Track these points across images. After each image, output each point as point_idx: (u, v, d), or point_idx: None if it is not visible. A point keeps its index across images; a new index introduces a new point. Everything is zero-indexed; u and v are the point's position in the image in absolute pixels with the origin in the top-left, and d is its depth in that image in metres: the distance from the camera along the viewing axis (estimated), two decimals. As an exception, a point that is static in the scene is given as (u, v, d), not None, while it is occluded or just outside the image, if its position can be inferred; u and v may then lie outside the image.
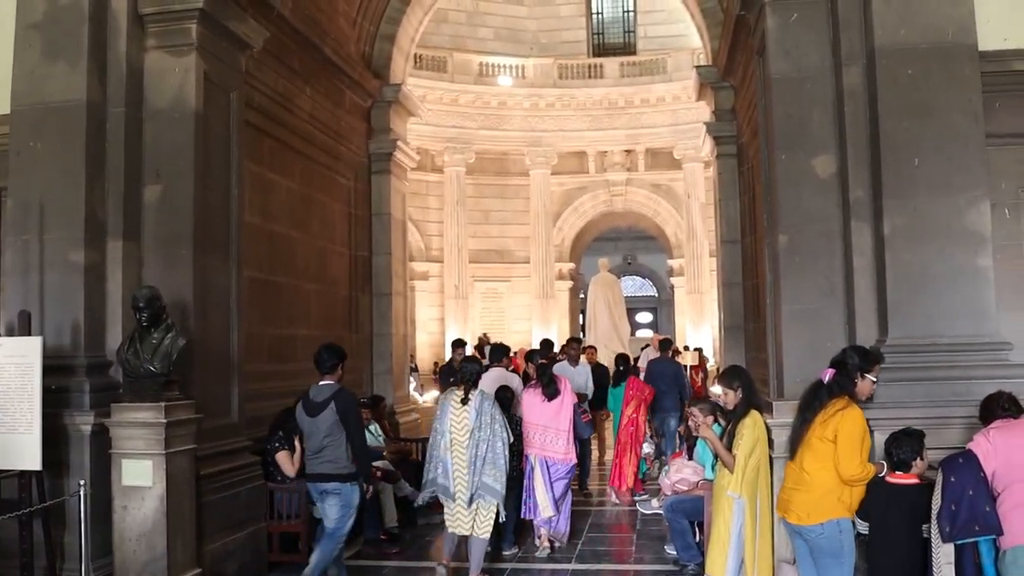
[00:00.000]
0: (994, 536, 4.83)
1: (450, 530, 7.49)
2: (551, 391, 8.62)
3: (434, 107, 24.66)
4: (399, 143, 13.00)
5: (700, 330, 25.28)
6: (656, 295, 42.29)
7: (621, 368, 12.58)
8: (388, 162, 12.83)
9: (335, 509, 6.91)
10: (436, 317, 26.97)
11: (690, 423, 7.45)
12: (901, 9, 6.63)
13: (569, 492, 8.94)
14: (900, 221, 6.42)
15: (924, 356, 6.26)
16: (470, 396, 7.41)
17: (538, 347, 11.82)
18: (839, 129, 6.80)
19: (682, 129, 25.24)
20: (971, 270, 6.35)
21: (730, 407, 6.34)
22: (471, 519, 7.38)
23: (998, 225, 6.65)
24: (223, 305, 7.67)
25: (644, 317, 42.71)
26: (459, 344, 14.31)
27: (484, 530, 7.42)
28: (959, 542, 4.90)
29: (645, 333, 36.05)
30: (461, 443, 7.33)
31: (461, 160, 26.79)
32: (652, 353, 15.47)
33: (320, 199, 11.02)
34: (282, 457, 7.92)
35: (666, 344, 13.92)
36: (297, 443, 7.80)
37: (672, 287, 30.44)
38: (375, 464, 8.45)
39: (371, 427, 9.50)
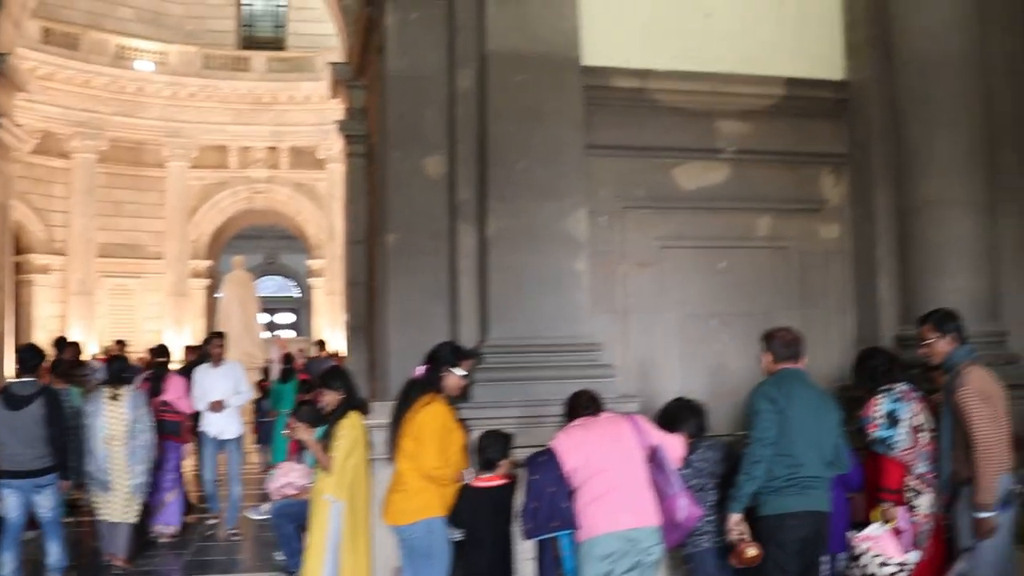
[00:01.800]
0: (572, 530, 4.97)
1: (102, 519, 7.80)
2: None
3: (63, 87, 22.94)
4: (3, 120, 11.77)
5: (336, 331, 25.14)
6: (299, 296, 41.69)
7: (287, 366, 12.39)
8: (-13, 140, 11.59)
9: (51, 500, 7.07)
10: (57, 314, 24.99)
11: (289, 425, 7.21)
12: (513, 17, 6.76)
13: (178, 488, 9.04)
14: (503, 224, 6.53)
15: (521, 356, 6.40)
16: (121, 392, 7.76)
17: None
18: (451, 130, 6.81)
19: (327, 129, 24.79)
20: (567, 274, 6.58)
21: (329, 408, 6.17)
22: (122, 506, 7.72)
23: (595, 232, 6.95)
24: None
25: (285, 318, 42.01)
26: (64, 344, 12.93)
27: (133, 516, 7.83)
28: (539, 538, 5.01)
29: (287, 334, 35.39)
30: (118, 437, 7.65)
31: (92, 147, 25.05)
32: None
33: None
34: None
35: (322, 344, 13.84)
36: None
37: (312, 288, 30.09)
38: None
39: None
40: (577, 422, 5.18)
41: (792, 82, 7.69)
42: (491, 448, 5.30)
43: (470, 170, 6.70)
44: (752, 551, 4.91)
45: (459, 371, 5.56)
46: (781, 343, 5.26)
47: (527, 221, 6.56)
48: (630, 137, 7.26)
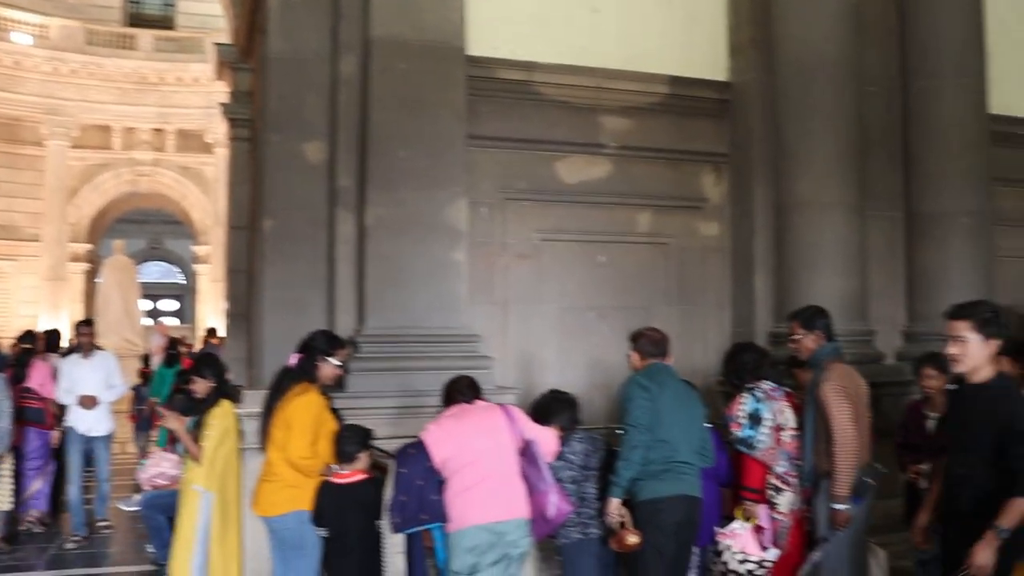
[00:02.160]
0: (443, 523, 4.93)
1: None
2: None
3: (-68, 58, 21.87)
4: None
5: (221, 319, 24.60)
6: (184, 283, 40.70)
7: (173, 352, 11.98)
8: None
9: None
10: (-74, 298, 23.92)
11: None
12: (399, 4, 6.68)
13: (45, 476, 8.78)
14: (383, 212, 6.45)
15: (399, 347, 6.34)
16: None
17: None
18: (332, 116, 6.69)
19: (215, 112, 24.31)
20: (447, 264, 6.54)
21: (200, 396, 6.02)
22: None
23: (475, 223, 6.94)
24: None
25: (169, 305, 41.00)
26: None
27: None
28: (408, 532, 4.95)
29: (170, 322, 34.54)
30: None
31: (-37, 122, 23.99)
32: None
33: None
34: None
35: (212, 332, 13.51)
36: None
37: (197, 274, 29.42)
38: None
39: None
40: (450, 411, 5.14)
41: (676, 81, 7.80)
42: (348, 441, 5.16)
43: (351, 157, 6.59)
44: (633, 538, 4.95)
45: (334, 360, 5.46)
46: (648, 342, 5.38)
47: (407, 210, 6.49)
48: (513, 129, 7.26)
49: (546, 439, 5.12)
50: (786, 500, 5.59)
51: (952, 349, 4.08)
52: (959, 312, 4.11)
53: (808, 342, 5.66)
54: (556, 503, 4.91)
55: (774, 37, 7.73)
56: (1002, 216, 8.60)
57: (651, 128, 7.73)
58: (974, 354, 4.04)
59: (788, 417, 5.67)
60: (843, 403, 5.36)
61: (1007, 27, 9.10)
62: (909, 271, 8.21)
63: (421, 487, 4.87)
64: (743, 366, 5.83)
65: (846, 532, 5.37)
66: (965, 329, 4.04)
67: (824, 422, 5.42)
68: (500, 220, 7.21)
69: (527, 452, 4.98)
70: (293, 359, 5.41)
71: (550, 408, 5.40)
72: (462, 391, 5.24)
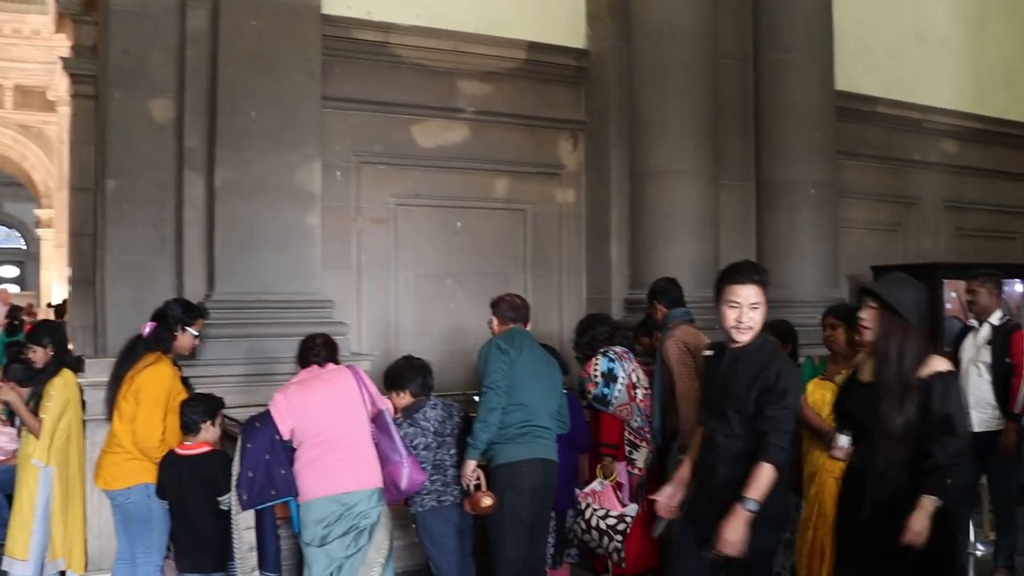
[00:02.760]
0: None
1: None
2: None
3: None
4: None
5: (65, 285, 23.57)
6: (24, 247, 38.80)
7: (16, 321, 11.34)
8: None
9: None
10: None
11: None
12: (250, -43, 6.45)
13: None
14: (232, 174, 6.24)
15: (250, 312, 6.17)
16: None
17: None
18: (180, 73, 6.39)
19: (57, 68, 23.18)
20: (299, 228, 6.38)
21: (39, 366, 5.73)
22: None
23: (329, 186, 6.79)
24: None
25: (9, 271, 39.08)
26: None
27: None
28: (258, 508, 4.81)
29: (12, 289, 32.93)
30: None
31: None
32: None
33: None
34: None
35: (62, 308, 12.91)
36: None
37: (40, 239, 28.06)
38: None
39: None
40: (298, 378, 4.99)
41: (534, 47, 7.78)
42: (192, 411, 4.94)
43: (200, 116, 6.33)
44: (488, 500, 4.96)
45: (192, 330, 5.29)
46: (508, 307, 5.40)
47: (258, 172, 6.28)
48: (369, 91, 7.13)
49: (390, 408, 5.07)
50: (642, 456, 5.74)
51: (754, 315, 3.79)
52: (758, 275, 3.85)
53: (657, 314, 5.98)
54: (409, 474, 4.87)
55: (631, 5, 7.79)
56: (843, 188, 8.92)
57: (509, 93, 7.70)
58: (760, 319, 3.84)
59: (641, 377, 5.81)
60: (685, 356, 5.57)
61: (852, 6, 9.41)
62: (760, 239, 8.43)
63: (268, 461, 4.71)
64: (595, 339, 5.95)
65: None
66: (762, 294, 3.82)
67: (671, 380, 5.61)
68: (355, 184, 7.08)
69: (379, 420, 4.92)
70: (146, 327, 5.18)
71: (403, 374, 5.34)
72: (316, 351, 5.06)
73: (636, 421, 5.73)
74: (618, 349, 5.86)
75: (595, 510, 5.53)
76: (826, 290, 8.17)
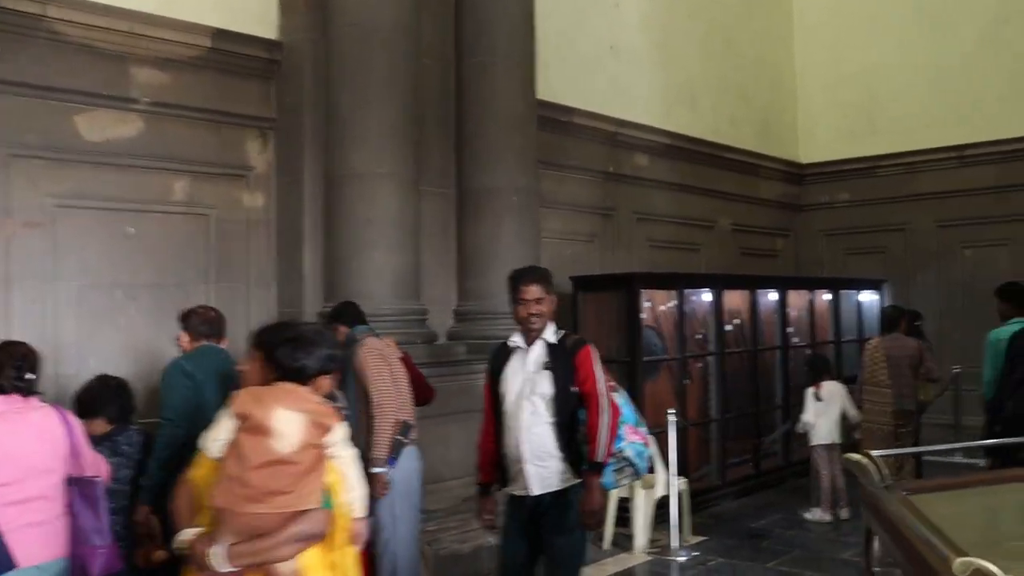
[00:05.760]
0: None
1: None
2: None
3: None
4: None
5: None
6: None
7: None
8: None
9: None
10: None
11: None
12: None
13: None
14: None
15: None
16: None
17: None
18: None
19: None
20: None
21: None
22: None
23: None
24: None
25: None
26: None
27: None
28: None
29: None
30: None
31: None
32: None
33: None
34: None
35: None
36: None
37: None
38: None
39: None
40: None
41: (220, 34, 7.04)
42: None
43: None
44: (161, 553, 4.23)
45: None
46: (201, 320, 5.02)
47: None
48: (22, 72, 6.05)
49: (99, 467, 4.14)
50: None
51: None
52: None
53: (339, 336, 5.59)
54: (105, 563, 3.90)
55: (329, -3, 7.24)
56: (542, 199, 8.80)
57: (190, 85, 6.90)
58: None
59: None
60: (380, 363, 5.42)
61: (552, 15, 9.34)
62: (462, 248, 8.13)
63: None
64: None
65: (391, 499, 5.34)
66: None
67: (365, 394, 5.36)
68: (3, 181, 6.00)
69: (87, 488, 3.90)
70: None
71: (97, 396, 4.58)
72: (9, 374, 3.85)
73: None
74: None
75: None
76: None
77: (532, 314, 4.58)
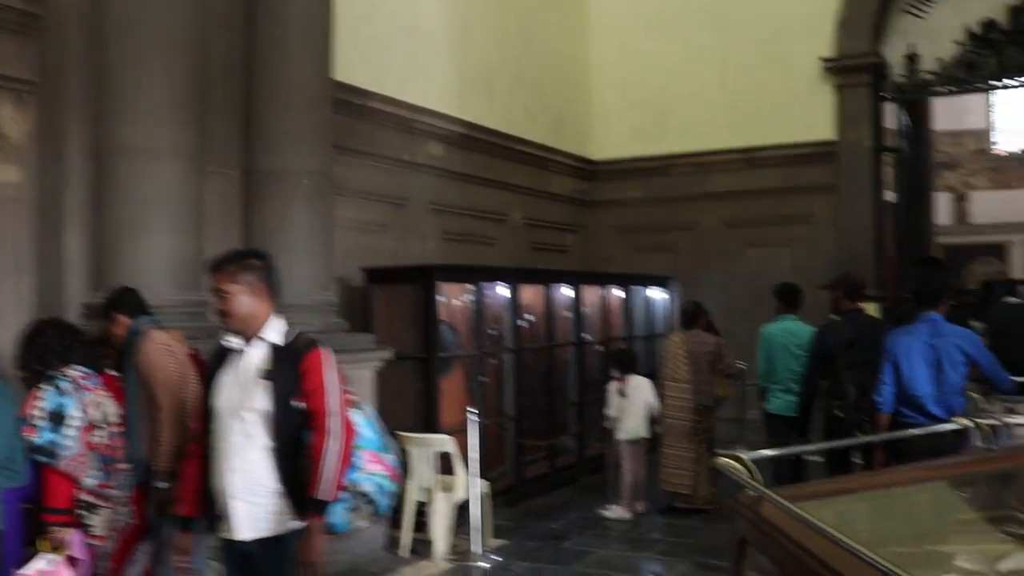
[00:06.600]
0: None
1: None
2: None
3: None
4: None
5: None
6: None
7: None
8: None
9: None
10: None
11: None
12: None
13: None
14: None
15: None
16: None
17: None
18: None
19: None
20: None
21: None
22: None
23: None
24: None
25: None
26: None
27: None
28: None
29: None
30: None
31: None
32: None
33: None
34: None
35: None
36: None
37: None
38: None
39: None
40: None
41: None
42: None
43: None
44: None
45: None
46: None
47: None
48: None
49: None
50: (103, 519, 4.50)
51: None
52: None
53: (119, 328, 4.97)
54: None
55: (101, -54, 6.40)
56: (334, 185, 8.20)
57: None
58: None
59: (107, 411, 4.62)
60: (167, 359, 4.72)
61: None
62: (248, 234, 7.40)
63: None
64: (47, 348, 4.62)
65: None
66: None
67: (150, 395, 4.66)
68: None
69: None
70: None
71: None
72: None
73: (93, 476, 4.44)
74: (75, 373, 4.55)
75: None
76: (319, 292, 7.40)
77: (222, 310, 3.83)
